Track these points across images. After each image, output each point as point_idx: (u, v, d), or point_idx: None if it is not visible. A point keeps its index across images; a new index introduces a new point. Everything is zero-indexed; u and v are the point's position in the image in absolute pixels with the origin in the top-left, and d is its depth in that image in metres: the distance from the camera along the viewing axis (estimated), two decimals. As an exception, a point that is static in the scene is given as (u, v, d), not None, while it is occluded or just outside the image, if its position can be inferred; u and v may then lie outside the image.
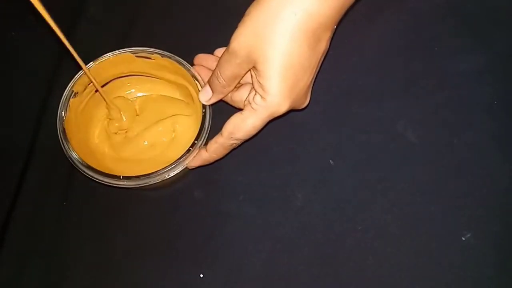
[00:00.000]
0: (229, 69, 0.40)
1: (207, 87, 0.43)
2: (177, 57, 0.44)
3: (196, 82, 0.44)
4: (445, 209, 0.45)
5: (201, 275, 0.43)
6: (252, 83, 0.40)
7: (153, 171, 0.41)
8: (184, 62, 0.44)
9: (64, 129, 0.42)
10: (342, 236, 0.44)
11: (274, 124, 0.48)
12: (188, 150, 0.42)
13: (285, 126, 0.48)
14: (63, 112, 0.43)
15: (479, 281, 0.42)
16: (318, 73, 0.41)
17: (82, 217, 0.46)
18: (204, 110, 0.43)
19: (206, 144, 0.43)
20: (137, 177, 0.41)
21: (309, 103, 0.42)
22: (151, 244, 0.45)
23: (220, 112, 0.44)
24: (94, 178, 0.41)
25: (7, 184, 0.46)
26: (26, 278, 0.43)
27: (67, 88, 0.44)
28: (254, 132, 0.41)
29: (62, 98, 0.43)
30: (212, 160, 0.43)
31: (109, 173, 0.41)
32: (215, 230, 0.45)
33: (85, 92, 0.45)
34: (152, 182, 0.41)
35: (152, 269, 0.44)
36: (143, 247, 0.45)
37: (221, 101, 0.44)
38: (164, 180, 0.41)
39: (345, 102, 0.49)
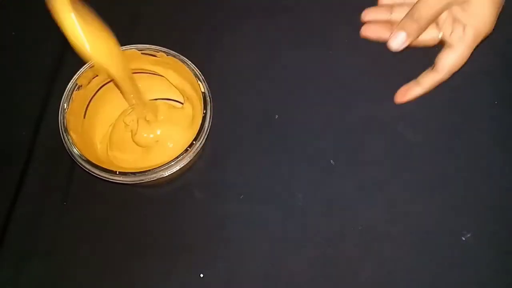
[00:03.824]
0: (433, 10, 0.42)
1: (400, 32, 0.44)
2: (182, 56, 0.44)
3: (199, 82, 0.44)
4: (446, 209, 0.45)
5: (201, 275, 0.43)
6: (453, 19, 0.43)
7: (149, 169, 0.41)
8: (189, 62, 0.44)
9: (65, 120, 0.42)
10: (343, 236, 0.44)
11: (274, 123, 0.48)
12: (186, 150, 0.42)
13: (285, 126, 0.48)
14: (65, 104, 0.43)
15: (479, 281, 0.42)
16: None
17: (82, 217, 0.45)
18: (204, 111, 0.43)
19: (205, 148, 0.43)
20: (133, 173, 0.41)
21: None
22: (151, 244, 0.45)
23: (220, 112, 0.44)
24: (91, 172, 0.41)
25: (7, 184, 0.46)
26: (26, 278, 0.43)
27: (71, 80, 0.44)
28: (466, 61, 0.44)
29: (66, 90, 0.43)
30: (421, 94, 0.46)
31: (106, 167, 0.41)
32: (215, 230, 0.45)
33: (89, 85, 0.45)
34: (147, 180, 0.41)
35: (152, 269, 0.44)
36: (143, 247, 0.45)
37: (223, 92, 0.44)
38: (160, 178, 0.41)
39: (346, 102, 0.49)
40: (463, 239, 0.44)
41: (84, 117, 0.46)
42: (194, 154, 0.42)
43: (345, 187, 0.46)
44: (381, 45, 0.51)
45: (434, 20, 0.44)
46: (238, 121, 0.48)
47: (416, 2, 0.43)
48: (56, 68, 0.50)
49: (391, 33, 0.45)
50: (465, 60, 0.44)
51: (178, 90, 0.48)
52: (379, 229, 0.44)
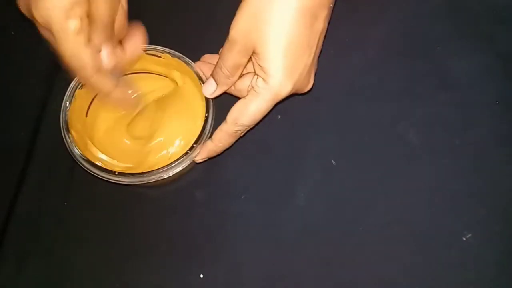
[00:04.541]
0: (230, 59, 0.40)
1: (211, 80, 0.43)
2: (186, 58, 0.45)
3: (202, 84, 0.44)
4: (446, 209, 0.45)
5: (201, 275, 0.43)
6: (254, 69, 0.40)
7: (148, 171, 0.41)
8: (193, 64, 0.44)
9: (66, 118, 0.43)
10: (343, 236, 0.44)
11: (275, 123, 0.48)
12: (186, 153, 0.42)
13: (287, 126, 0.48)
14: (68, 102, 0.43)
15: (480, 281, 0.42)
16: (319, 55, 0.41)
17: (82, 217, 0.45)
18: (206, 114, 0.43)
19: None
20: (132, 174, 0.41)
21: (312, 87, 0.42)
22: (151, 244, 0.45)
23: (222, 112, 0.44)
24: (91, 171, 0.41)
25: (7, 184, 0.46)
26: (26, 278, 0.43)
27: (75, 79, 0.44)
28: (259, 117, 0.41)
29: (69, 88, 0.44)
30: (218, 150, 0.43)
31: (105, 167, 0.41)
32: (216, 230, 0.45)
33: None
34: (146, 181, 0.41)
35: (152, 269, 0.44)
36: (143, 247, 0.45)
37: (225, 93, 0.44)
38: (160, 180, 0.41)
39: (346, 103, 0.49)
40: (464, 239, 0.44)
41: (86, 116, 0.46)
42: (195, 157, 0.42)
43: (346, 187, 0.46)
44: (382, 45, 0.51)
45: (239, 69, 0.41)
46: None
47: (221, 50, 0.41)
48: (56, 68, 0.50)
49: (207, 80, 0.43)
50: (255, 113, 0.40)
51: (180, 91, 0.48)
52: (380, 229, 0.44)
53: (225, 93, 0.44)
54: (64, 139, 0.42)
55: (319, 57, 0.41)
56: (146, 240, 0.45)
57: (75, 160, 0.42)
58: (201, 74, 0.44)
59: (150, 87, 0.49)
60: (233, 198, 0.46)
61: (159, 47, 0.45)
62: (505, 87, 0.48)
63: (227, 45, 0.39)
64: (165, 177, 0.41)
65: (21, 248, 0.44)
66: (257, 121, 0.41)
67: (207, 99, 0.43)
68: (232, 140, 0.43)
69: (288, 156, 0.47)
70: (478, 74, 0.49)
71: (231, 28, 0.39)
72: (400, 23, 0.51)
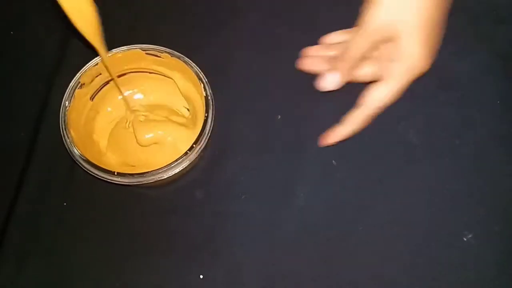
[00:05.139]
0: (361, 50, 0.43)
1: (332, 74, 0.45)
2: (186, 58, 0.45)
3: (202, 85, 0.44)
4: (446, 210, 0.45)
5: (201, 276, 0.43)
6: (387, 54, 0.43)
7: (147, 171, 0.41)
8: (193, 64, 0.44)
9: (66, 118, 0.43)
10: (343, 236, 0.44)
11: (275, 123, 0.48)
12: (186, 153, 0.41)
13: (287, 126, 0.48)
14: (67, 102, 0.43)
15: (480, 281, 0.42)
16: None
17: (82, 217, 0.45)
18: (206, 114, 0.43)
19: (205, 148, 0.43)
20: (131, 174, 0.41)
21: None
22: (151, 244, 0.45)
23: (222, 112, 0.44)
24: (90, 171, 0.41)
25: (7, 184, 0.46)
26: (26, 278, 0.43)
27: (74, 78, 0.44)
28: (397, 98, 0.44)
29: (68, 88, 0.44)
30: (350, 134, 0.45)
31: (104, 167, 0.41)
32: (216, 230, 0.45)
33: (91, 84, 0.45)
34: (145, 182, 0.41)
35: (152, 269, 0.44)
36: (143, 247, 0.45)
37: (222, 94, 0.44)
38: (160, 180, 0.41)
39: (346, 103, 0.49)
40: (464, 239, 0.44)
41: (85, 116, 0.46)
42: (195, 157, 0.42)
43: (346, 187, 0.46)
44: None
45: (364, 58, 0.44)
46: (240, 121, 0.48)
47: (347, 42, 0.44)
48: (56, 68, 0.50)
49: (325, 74, 0.45)
50: (393, 95, 0.43)
51: (180, 91, 0.48)
52: (380, 229, 0.44)
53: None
54: (64, 139, 0.42)
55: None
56: (146, 240, 0.45)
57: (74, 160, 0.42)
58: (200, 75, 0.44)
59: (150, 87, 0.49)
60: (233, 198, 0.46)
61: (159, 47, 0.45)
62: (505, 87, 0.48)
63: (360, 38, 0.42)
64: (164, 177, 0.41)
65: (21, 248, 0.44)
66: (393, 102, 0.44)
67: (206, 100, 0.43)
68: (366, 124, 0.45)
69: (288, 156, 0.47)
70: (478, 74, 0.49)
71: (367, 21, 0.42)
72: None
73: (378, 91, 0.43)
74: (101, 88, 0.46)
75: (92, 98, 0.46)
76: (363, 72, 0.45)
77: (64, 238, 0.45)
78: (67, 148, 0.42)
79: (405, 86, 0.43)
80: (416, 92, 0.49)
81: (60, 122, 0.42)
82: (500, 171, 0.46)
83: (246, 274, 0.43)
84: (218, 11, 0.53)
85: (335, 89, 0.45)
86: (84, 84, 0.44)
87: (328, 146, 0.46)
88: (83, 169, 0.42)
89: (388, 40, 0.42)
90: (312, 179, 0.46)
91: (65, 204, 0.46)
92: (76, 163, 0.42)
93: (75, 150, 0.42)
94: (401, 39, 0.41)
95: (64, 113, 0.43)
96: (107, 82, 0.47)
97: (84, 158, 0.41)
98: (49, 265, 0.44)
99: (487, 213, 0.44)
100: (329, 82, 0.45)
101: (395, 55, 0.42)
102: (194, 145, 0.42)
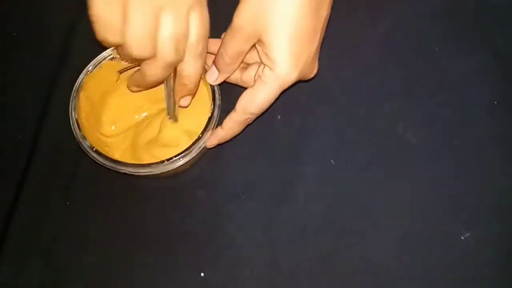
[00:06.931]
0: (233, 46, 0.40)
1: (213, 68, 0.43)
2: None
3: (208, 85, 0.44)
4: (445, 209, 0.45)
5: (202, 274, 0.43)
6: (259, 58, 0.40)
7: (153, 162, 0.41)
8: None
9: (82, 82, 0.43)
10: (343, 236, 0.44)
11: (275, 123, 0.48)
12: (194, 143, 0.42)
13: (287, 126, 0.48)
14: (91, 67, 0.44)
15: (478, 281, 0.43)
16: (322, 42, 0.41)
17: (83, 217, 0.45)
18: (212, 107, 0.43)
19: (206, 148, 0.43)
20: (136, 165, 0.41)
21: (316, 73, 0.43)
22: (152, 244, 0.45)
23: (223, 112, 0.44)
24: (97, 160, 0.42)
25: (7, 184, 0.46)
26: (26, 278, 0.43)
27: (110, 48, 0.44)
28: (266, 105, 0.42)
29: (98, 57, 0.44)
30: (228, 137, 0.44)
31: (108, 156, 0.42)
32: (216, 229, 0.45)
33: (123, 62, 0.45)
34: (152, 172, 0.41)
35: (152, 269, 0.44)
36: (143, 246, 0.45)
37: (232, 87, 0.44)
38: (165, 172, 0.42)
39: (346, 103, 0.49)
40: (463, 238, 0.44)
41: (104, 89, 0.46)
42: (199, 151, 0.42)
43: (346, 187, 0.46)
44: (382, 46, 0.51)
45: (241, 56, 0.41)
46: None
47: (223, 38, 0.42)
48: (56, 68, 0.50)
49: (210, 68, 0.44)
50: (263, 101, 0.41)
51: None
52: (379, 230, 0.44)
53: (233, 85, 0.44)
54: (70, 108, 0.42)
55: (322, 44, 0.42)
56: (146, 240, 0.45)
57: (81, 153, 0.42)
58: (206, 68, 0.44)
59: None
60: (233, 198, 0.46)
61: None
62: (504, 87, 0.49)
63: (230, 33, 0.40)
64: (170, 169, 0.42)
65: (21, 248, 0.44)
66: (265, 109, 0.42)
67: (213, 92, 0.44)
68: (241, 127, 0.44)
69: (288, 156, 0.47)
70: (477, 74, 0.49)
71: (235, 16, 0.39)
72: (399, 23, 0.52)
73: (248, 97, 0.41)
74: (132, 68, 0.46)
75: (120, 72, 0.46)
76: (247, 76, 0.43)
77: (64, 238, 0.45)
78: (74, 134, 0.42)
79: (276, 93, 0.40)
80: (415, 92, 0.49)
81: (75, 86, 0.43)
82: (499, 171, 0.46)
83: (247, 273, 0.43)
84: (219, 10, 0.53)
85: (218, 83, 0.44)
86: (116, 58, 0.45)
87: (327, 146, 0.47)
88: (90, 157, 0.42)
89: (255, 40, 0.40)
90: (312, 179, 0.46)
91: (65, 204, 0.46)
92: (78, 164, 0.42)
93: (76, 127, 0.42)
94: (270, 44, 0.38)
95: (84, 76, 0.43)
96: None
97: (89, 145, 0.41)
98: (49, 265, 0.44)
99: (485, 213, 0.44)
100: (208, 76, 0.44)
101: (264, 60, 0.40)
102: (201, 135, 0.43)
